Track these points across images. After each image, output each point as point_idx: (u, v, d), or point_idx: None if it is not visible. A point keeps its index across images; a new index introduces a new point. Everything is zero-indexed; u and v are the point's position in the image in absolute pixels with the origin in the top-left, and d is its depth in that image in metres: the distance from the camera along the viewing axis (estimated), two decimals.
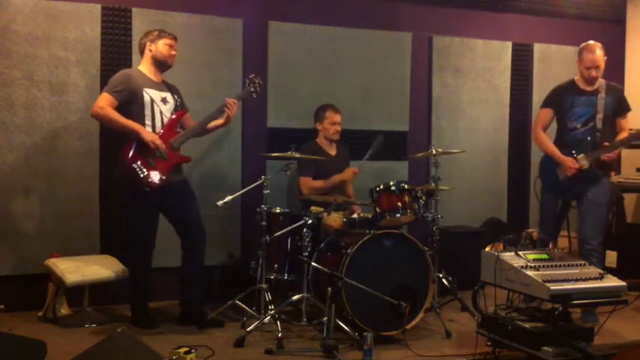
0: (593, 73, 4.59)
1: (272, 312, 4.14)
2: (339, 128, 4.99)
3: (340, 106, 5.05)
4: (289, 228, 4.31)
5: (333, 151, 5.05)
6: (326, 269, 4.04)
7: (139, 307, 4.37)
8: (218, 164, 5.15)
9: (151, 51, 4.30)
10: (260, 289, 4.29)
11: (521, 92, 6.11)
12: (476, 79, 5.94)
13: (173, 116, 4.33)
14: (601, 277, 3.49)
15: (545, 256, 3.67)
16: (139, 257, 4.33)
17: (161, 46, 4.29)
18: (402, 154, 5.68)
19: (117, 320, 4.44)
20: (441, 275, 4.73)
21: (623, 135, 4.63)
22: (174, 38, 4.35)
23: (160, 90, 4.32)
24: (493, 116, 6.01)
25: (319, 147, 4.99)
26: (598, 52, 4.59)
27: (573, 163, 4.57)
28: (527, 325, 3.45)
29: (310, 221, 4.29)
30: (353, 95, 5.49)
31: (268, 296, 4.25)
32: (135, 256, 4.35)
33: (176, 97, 4.42)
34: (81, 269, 4.38)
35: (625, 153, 5.79)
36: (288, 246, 4.42)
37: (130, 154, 4.13)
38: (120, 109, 4.16)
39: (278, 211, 4.46)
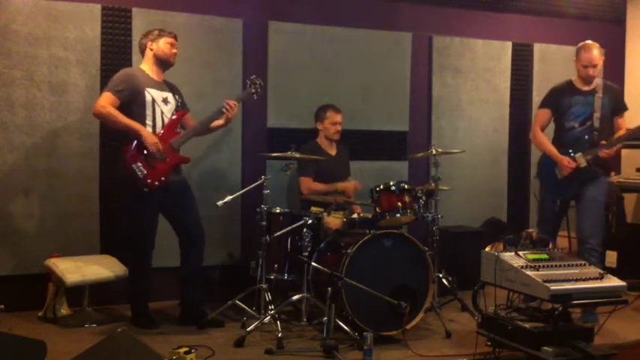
0: (590, 71, 4.61)
1: (272, 312, 4.14)
2: (339, 128, 5.00)
3: (340, 106, 5.05)
4: (289, 228, 4.31)
5: (333, 151, 5.05)
6: (326, 269, 4.04)
7: (138, 307, 4.37)
8: (218, 164, 5.15)
9: (152, 50, 4.29)
10: (260, 289, 4.29)
11: (521, 92, 6.10)
12: (476, 79, 5.94)
13: (174, 117, 4.32)
14: (601, 277, 3.48)
15: (545, 256, 3.66)
16: (139, 257, 4.33)
17: (162, 45, 4.29)
18: (402, 154, 5.68)
19: (117, 320, 4.44)
20: (441, 275, 4.72)
21: (621, 132, 4.64)
22: (175, 37, 4.35)
23: (162, 90, 4.32)
24: (493, 116, 6.01)
25: (319, 147, 4.99)
26: (595, 52, 4.61)
27: (569, 162, 4.58)
28: (527, 325, 3.45)
29: (310, 221, 4.29)
30: (353, 95, 5.49)
31: (268, 296, 4.25)
32: (135, 256, 4.35)
33: (177, 97, 4.41)
34: (81, 269, 4.38)
35: (625, 153, 5.79)
36: (288, 246, 4.41)
37: (130, 154, 4.13)
38: (121, 108, 4.15)
39: (278, 211, 4.45)
